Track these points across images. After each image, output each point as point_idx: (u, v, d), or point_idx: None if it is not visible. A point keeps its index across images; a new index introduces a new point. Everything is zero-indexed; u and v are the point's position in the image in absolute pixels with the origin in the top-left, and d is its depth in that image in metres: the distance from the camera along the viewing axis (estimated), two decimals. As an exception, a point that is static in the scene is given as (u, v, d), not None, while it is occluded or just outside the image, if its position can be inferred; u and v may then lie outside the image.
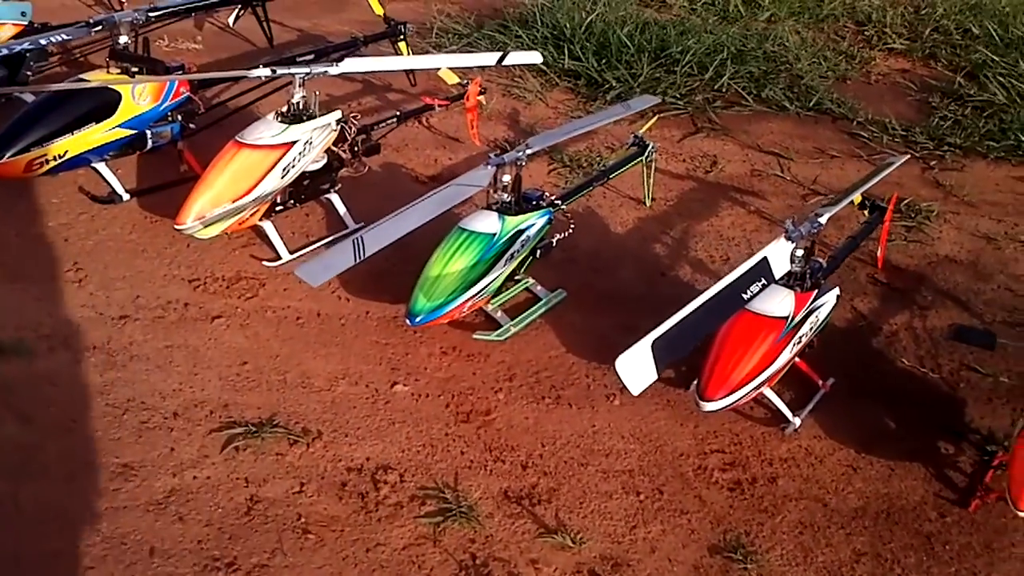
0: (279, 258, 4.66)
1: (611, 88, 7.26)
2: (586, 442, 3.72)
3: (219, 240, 4.65)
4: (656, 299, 4.67)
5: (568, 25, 8.02)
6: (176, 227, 4.35)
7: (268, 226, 4.66)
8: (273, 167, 4.51)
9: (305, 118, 4.65)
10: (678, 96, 7.33)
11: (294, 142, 4.57)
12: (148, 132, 5.11)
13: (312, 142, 4.66)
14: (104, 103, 4.90)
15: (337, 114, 4.78)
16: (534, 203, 4.36)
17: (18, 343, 3.94)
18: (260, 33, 7.28)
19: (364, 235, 3.73)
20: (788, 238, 3.72)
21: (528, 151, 4.28)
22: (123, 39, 5.05)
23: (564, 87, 7.33)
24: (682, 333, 3.16)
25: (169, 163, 5.29)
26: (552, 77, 7.40)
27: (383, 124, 5.21)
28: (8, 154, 4.64)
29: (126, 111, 4.96)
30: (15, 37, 5.63)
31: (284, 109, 4.68)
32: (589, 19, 8.11)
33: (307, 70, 4.61)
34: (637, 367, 3.07)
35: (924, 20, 9.59)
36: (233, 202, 4.41)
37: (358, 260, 3.64)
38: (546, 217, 4.39)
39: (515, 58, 5.28)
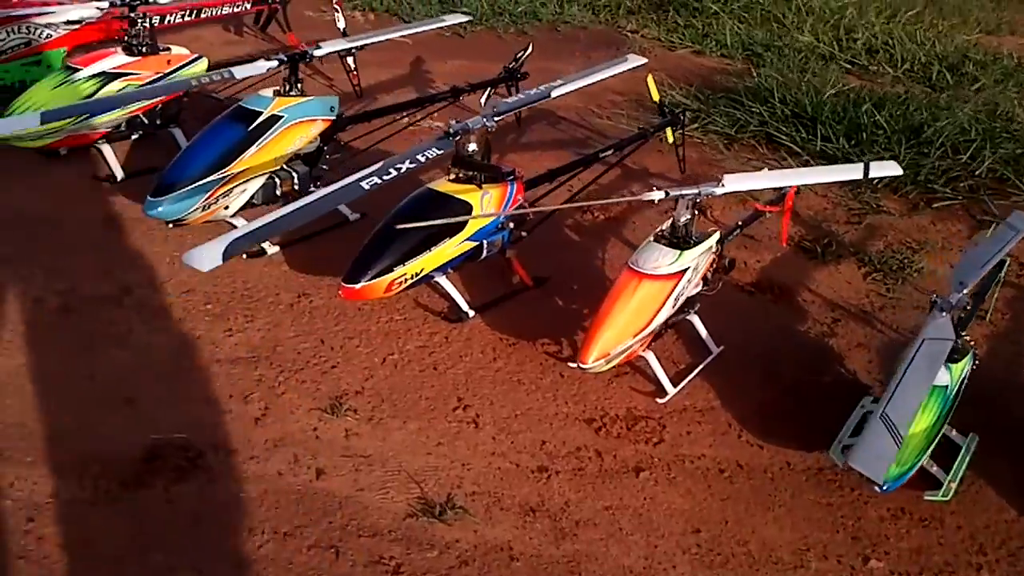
0: (665, 393, 4.31)
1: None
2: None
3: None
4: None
5: (809, 103, 7.66)
6: (580, 366, 4.02)
7: (651, 357, 4.33)
8: (669, 297, 4.19)
9: (692, 241, 4.29)
10: (942, 183, 6.95)
11: (686, 269, 4.23)
12: (484, 242, 4.77)
13: (699, 267, 4.34)
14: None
15: (717, 235, 4.45)
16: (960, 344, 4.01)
17: (450, 502, 3.59)
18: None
19: (888, 412, 3.36)
20: None
21: (964, 290, 3.91)
22: (472, 146, 4.72)
23: (823, 173, 6.95)
24: None
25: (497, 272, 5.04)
26: (808, 160, 7.05)
27: (731, 237, 4.87)
28: (368, 276, 4.34)
29: (476, 223, 4.65)
30: (323, 133, 5.32)
31: (665, 230, 4.34)
32: (827, 93, 7.75)
33: (697, 191, 4.27)
34: None
35: None
36: (634, 336, 4.08)
37: (897, 441, 3.27)
38: (974, 360, 4.04)
39: (878, 170, 4.91)
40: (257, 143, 5.01)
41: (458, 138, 4.62)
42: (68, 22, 6.30)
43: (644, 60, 6.23)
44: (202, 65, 6.04)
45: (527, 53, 6.87)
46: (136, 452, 3.70)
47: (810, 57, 9.67)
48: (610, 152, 5.74)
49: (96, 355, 4.23)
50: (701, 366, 4.54)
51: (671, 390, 4.33)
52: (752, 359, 4.68)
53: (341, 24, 6.61)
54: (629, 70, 6.09)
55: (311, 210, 3.90)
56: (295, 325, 4.57)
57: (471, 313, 4.75)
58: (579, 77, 5.68)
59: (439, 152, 4.47)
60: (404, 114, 6.03)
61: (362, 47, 6.16)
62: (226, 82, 5.41)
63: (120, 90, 5.62)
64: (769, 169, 6.29)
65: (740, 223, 5.07)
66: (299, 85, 5.31)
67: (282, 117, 5.11)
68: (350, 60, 7.07)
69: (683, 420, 4.20)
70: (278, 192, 5.26)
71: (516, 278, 5.04)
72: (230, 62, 6.28)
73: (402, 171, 4.23)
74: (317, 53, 5.53)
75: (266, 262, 5.09)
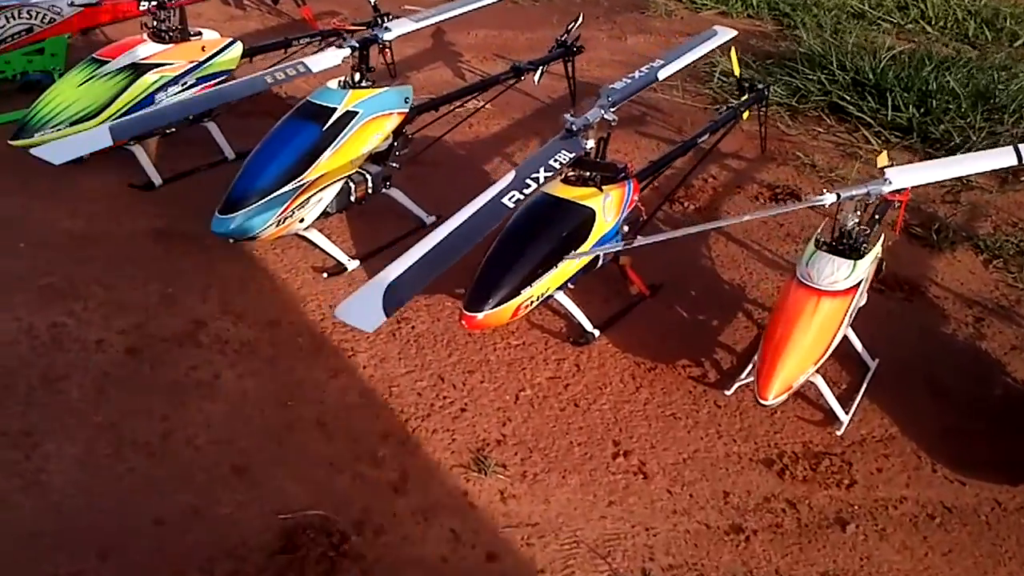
0: (839, 421, 3.81)
1: (954, 144, 6.46)
2: None
3: (742, 396, 3.86)
4: None
5: (870, 68, 7.15)
6: (760, 402, 3.50)
7: (820, 382, 3.82)
8: (846, 314, 3.66)
9: (863, 248, 3.76)
10: None
11: (860, 281, 3.71)
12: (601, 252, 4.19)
13: (869, 276, 3.82)
14: (581, 226, 4.02)
15: (882, 237, 3.91)
16: None
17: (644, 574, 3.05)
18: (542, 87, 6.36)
19: None
20: None
21: None
22: (589, 143, 4.11)
23: (901, 146, 6.51)
24: None
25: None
26: (880, 131, 6.57)
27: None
28: (493, 303, 3.75)
29: (598, 231, 4.09)
30: (399, 127, 4.65)
31: (822, 235, 3.79)
32: (884, 57, 7.25)
33: (866, 190, 3.72)
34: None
35: None
36: (815, 363, 3.55)
37: None
38: None
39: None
40: (333, 144, 4.34)
41: (583, 133, 3.99)
42: (72, 4, 5.46)
43: (734, 32, 5.64)
44: (237, 50, 5.30)
45: (578, 23, 6.26)
46: (267, 537, 3.08)
47: (841, 16, 9.15)
48: (705, 136, 5.15)
49: (186, 411, 3.55)
50: (864, 385, 4.05)
51: (844, 418, 3.81)
52: (910, 371, 4.21)
53: (373, -1, 5.88)
54: (723, 44, 5.47)
55: (462, 241, 3.26)
56: (403, 359, 3.94)
57: (596, 333, 4.16)
58: (677, 56, 5.09)
59: (571, 154, 3.84)
60: (470, 98, 5.35)
61: (426, 26, 5.44)
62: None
63: (154, 83, 4.86)
64: (880, 156, 5.78)
65: (876, 217, 4.53)
66: (368, 74, 4.60)
67: (358, 112, 4.44)
68: (385, 37, 6.31)
69: (867, 454, 3.70)
70: (352, 198, 4.59)
71: (635, 289, 4.44)
72: (268, 44, 5.55)
73: (540, 180, 3.61)
74: (386, 36, 4.86)
75: (349, 280, 4.43)
